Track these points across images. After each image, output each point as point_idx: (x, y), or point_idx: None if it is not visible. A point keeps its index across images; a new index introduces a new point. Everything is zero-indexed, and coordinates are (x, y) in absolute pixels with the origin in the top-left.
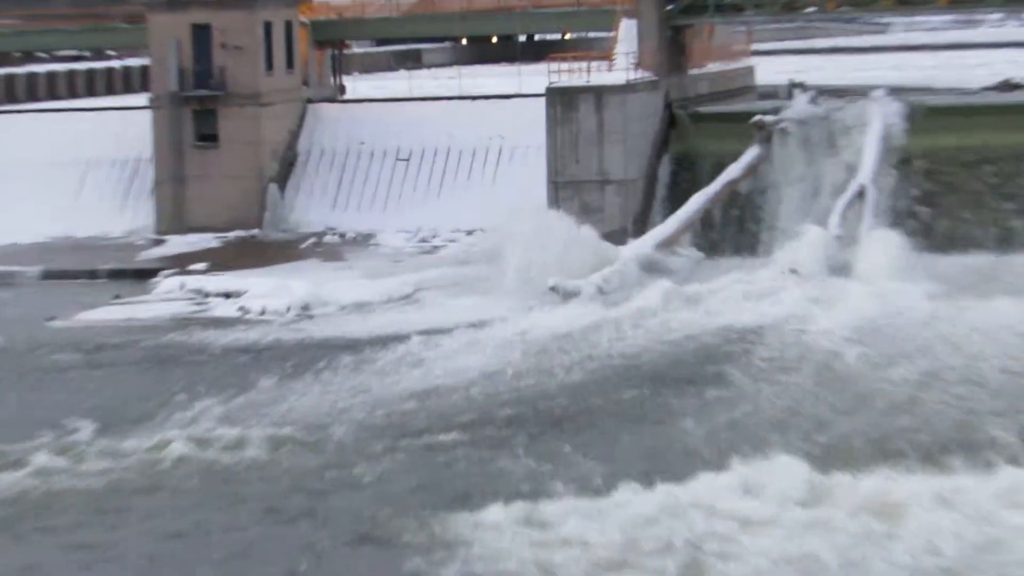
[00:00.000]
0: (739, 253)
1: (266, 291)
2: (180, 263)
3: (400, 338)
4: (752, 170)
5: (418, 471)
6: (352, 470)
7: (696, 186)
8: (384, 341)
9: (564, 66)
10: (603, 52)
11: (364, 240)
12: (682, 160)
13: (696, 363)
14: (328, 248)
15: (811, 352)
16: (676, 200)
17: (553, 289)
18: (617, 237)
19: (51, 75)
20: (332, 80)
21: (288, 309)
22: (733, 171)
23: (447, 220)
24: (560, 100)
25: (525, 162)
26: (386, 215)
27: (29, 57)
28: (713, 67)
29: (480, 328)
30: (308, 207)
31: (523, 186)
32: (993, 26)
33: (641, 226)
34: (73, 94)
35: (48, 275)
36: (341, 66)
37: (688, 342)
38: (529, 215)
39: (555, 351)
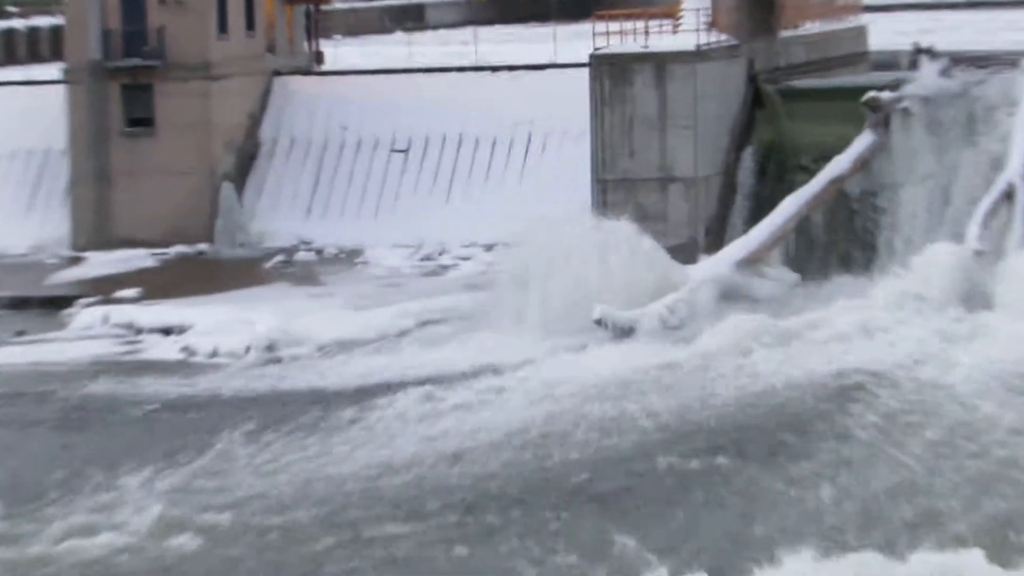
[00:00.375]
0: (846, 275)
1: (218, 326)
2: (103, 288)
3: (394, 389)
4: (864, 164)
5: None
6: None
7: (789, 186)
8: (373, 393)
9: (614, 27)
10: (666, 7)
11: (349, 258)
12: (771, 151)
13: (789, 424)
14: (301, 268)
15: (942, 408)
16: (763, 204)
17: (600, 323)
18: (685, 253)
19: None
20: (306, 46)
21: (247, 350)
22: (839, 166)
23: (458, 231)
24: (609, 72)
25: (562, 154)
26: (378, 225)
27: None
28: (812, 28)
29: (502, 375)
30: (274, 214)
31: (559, 186)
32: None
33: (716, 238)
34: None
35: None
36: (318, 27)
37: (779, 395)
38: (567, 224)
39: (602, 406)
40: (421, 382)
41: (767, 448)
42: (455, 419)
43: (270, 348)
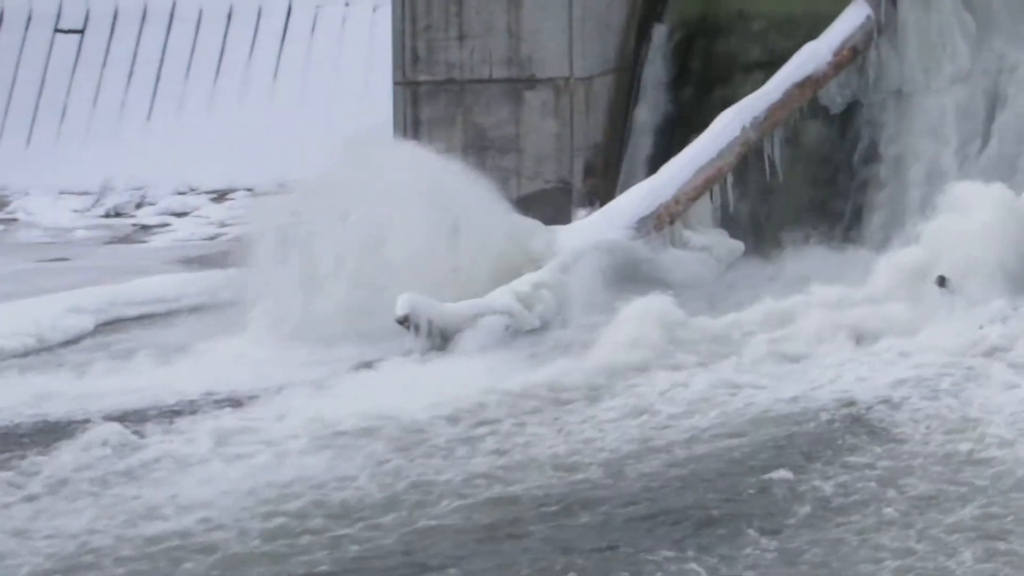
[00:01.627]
0: (821, 242)
1: None
2: None
3: (58, 435)
4: (852, 56)
5: None
6: None
7: (727, 94)
8: (19, 442)
9: None
10: None
11: None
12: (696, 34)
13: (725, 499)
14: None
15: (982, 448)
16: (683, 125)
17: (406, 323)
18: (551, 206)
19: None
20: None
21: None
22: (811, 59)
23: (168, 169)
24: None
25: (344, 37)
26: (32, 157)
27: None
28: None
29: (242, 411)
30: None
31: (340, 92)
32: None
33: (604, 182)
34: None
35: None
36: None
37: (711, 445)
38: (356, 157)
39: (399, 465)
40: (108, 420)
41: (701, 524)
42: (156, 486)
43: None
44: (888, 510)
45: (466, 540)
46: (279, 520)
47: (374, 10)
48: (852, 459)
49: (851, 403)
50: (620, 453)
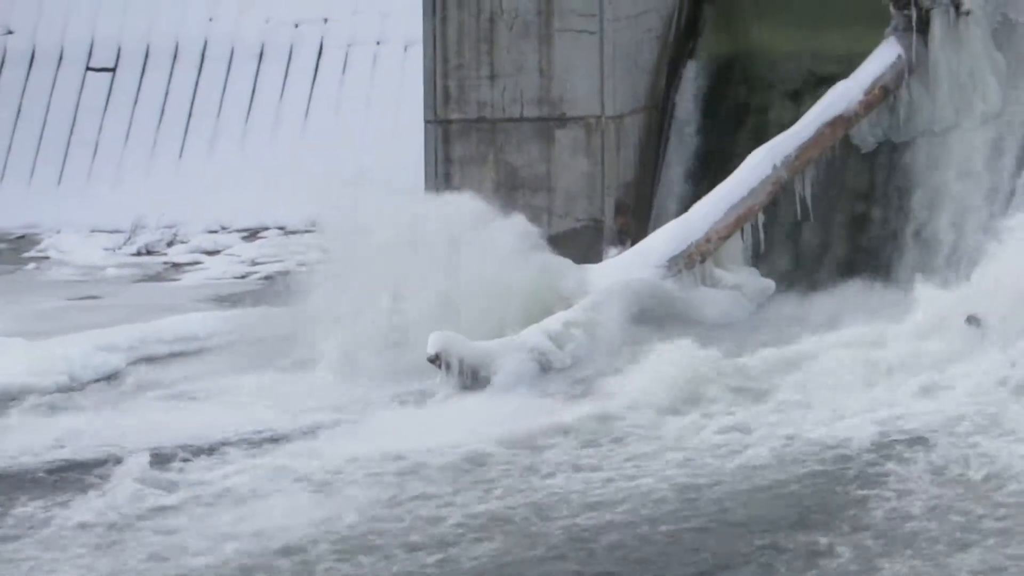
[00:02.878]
0: (853, 277)
1: None
2: None
3: (93, 472)
4: (884, 95)
5: None
6: None
7: (758, 132)
8: (55, 478)
9: None
10: None
11: (13, 250)
12: (728, 73)
13: (766, 547)
14: None
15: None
16: (713, 163)
17: (437, 361)
18: (582, 245)
19: None
20: None
21: None
22: (842, 98)
23: (200, 208)
24: None
25: (375, 77)
26: (63, 195)
27: None
28: None
29: (272, 447)
30: None
31: (371, 131)
32: None
33: (636, 221)
34: None
35: None
36: None
37: (744, 484)
38: (386, 197)
39: (430, 505)
40: (139, 459)
41: None
42: (197, 517)
43: None
44: (932, 537)
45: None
46: (315, 558)
47: (405, 49)
48: (887, 493)
49: (881, 442)
50: (648, 493)
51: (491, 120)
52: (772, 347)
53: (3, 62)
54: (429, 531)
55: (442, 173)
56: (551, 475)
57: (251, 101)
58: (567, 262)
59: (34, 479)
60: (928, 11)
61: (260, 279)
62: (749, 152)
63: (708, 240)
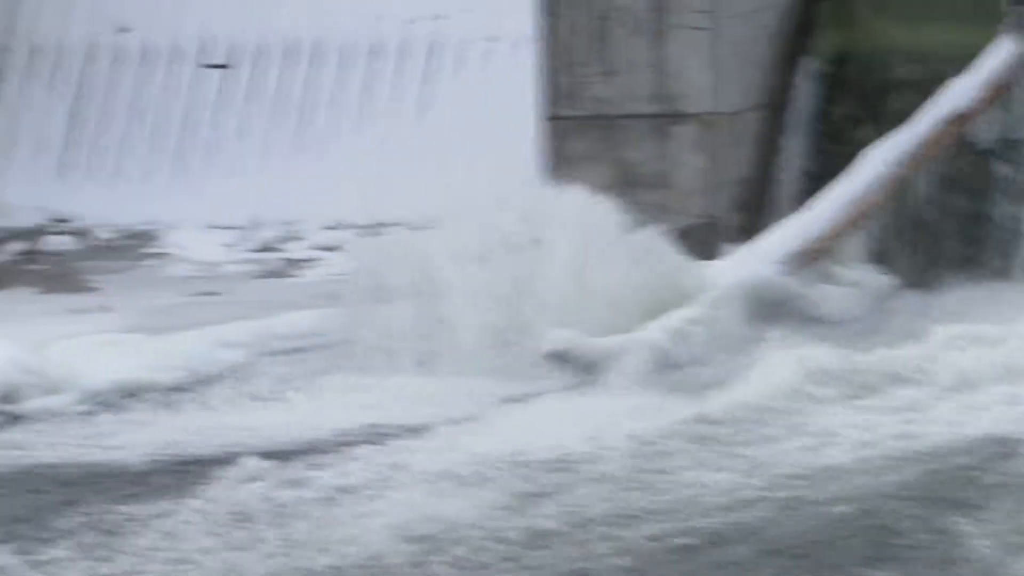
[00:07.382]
0: (973, 276)
1: None
2: None
3: (214, 468)
4: (1001, 92)
5: None
6: None
7: (875, 129)
8: (177, 474)
9: None
10: None
11: (133, 246)
12: (844, 70)
13: (892, 545)
14: (54, 264)
15: None
16: (831, 160)
17: (555, 357)
18: (699, 242)
19: None
20: None
21: None
22: (960, 95)
23: (318, 204)
24: None
25: (488, 75)
26: (181, 191)
27: None
28: None
29: (392, 445)
30: (5, 172)
31: (486, 127)
32: None
33: (753, 217)
34: None
35: None
36: None
37: (875, 490)
38: (502, 192)
39: (556, 503)
40: (265, 454)
41: None
42: (324, 512)
43: (6, 398)
44: None
45: None
46: (436, 556)
47: (516, 46)
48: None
49: (1004, 441)
50: (773, 489)
51: (606, 117)
52: (891, 344)
53: (120, 60)
54: (553, 528)
55: (557, 171)
56: (676, 472)
57: (364, 98)
58: (685, 258)
59: (155, 475)
60: None
61: (381, 277)
62: (865, 150)
63: (827, 237)
